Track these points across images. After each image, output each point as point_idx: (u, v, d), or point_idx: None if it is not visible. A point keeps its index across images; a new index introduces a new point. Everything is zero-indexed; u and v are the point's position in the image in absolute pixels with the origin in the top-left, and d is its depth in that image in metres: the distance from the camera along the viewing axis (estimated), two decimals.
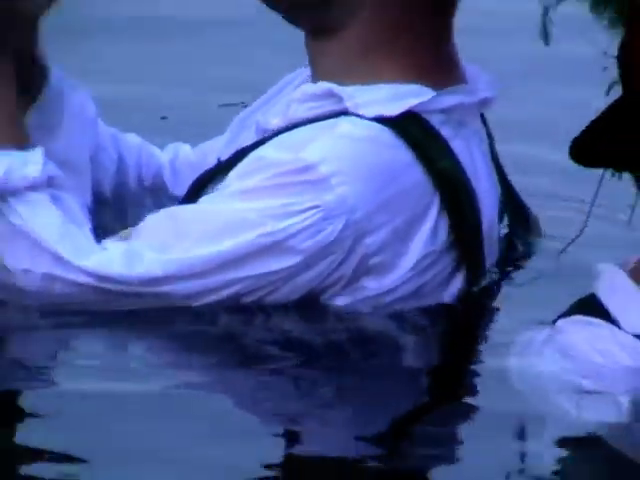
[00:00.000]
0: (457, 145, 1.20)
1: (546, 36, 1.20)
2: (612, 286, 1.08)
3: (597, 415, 1.06)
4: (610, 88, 1.10)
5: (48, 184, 1.17)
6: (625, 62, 1.06)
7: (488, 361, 1.20)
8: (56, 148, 1.23)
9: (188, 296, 1.17)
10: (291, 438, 1.07)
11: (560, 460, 0.98)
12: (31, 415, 1.10)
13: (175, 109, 1.96)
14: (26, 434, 1.06)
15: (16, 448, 1.04)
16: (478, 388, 1.15)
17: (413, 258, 1.19)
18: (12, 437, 1.05)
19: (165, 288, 1.16)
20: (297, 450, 1.06)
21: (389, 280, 1.19)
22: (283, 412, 1.12)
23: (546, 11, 1.16)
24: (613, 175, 1.13)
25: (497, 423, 1.05)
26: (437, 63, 1.22)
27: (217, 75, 2.12)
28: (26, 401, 1.13)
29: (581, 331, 1.06)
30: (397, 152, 1.17)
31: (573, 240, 1.32)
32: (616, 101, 1.01)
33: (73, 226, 1.17)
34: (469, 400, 1.14)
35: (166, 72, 2.17)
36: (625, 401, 1.04)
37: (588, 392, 1.04)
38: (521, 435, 1.02)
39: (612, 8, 1.11)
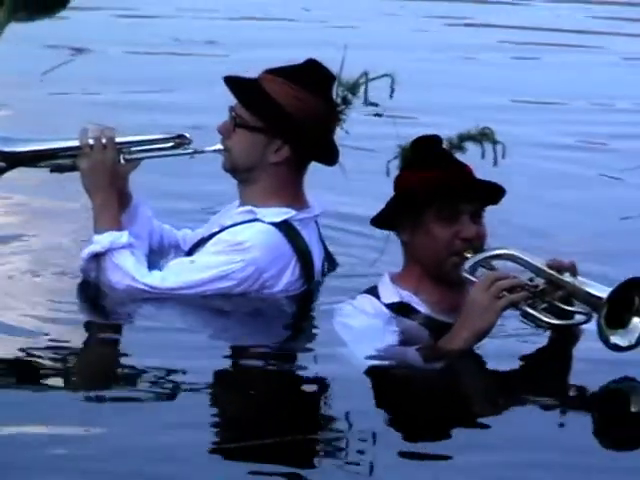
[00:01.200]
0: (305, 234, 2.77)
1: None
2: (382, 281, 2.56)
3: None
4: None
5: (130, 246, 2.74)
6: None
7: (322, 325, 2.69)
8: (132, 230, 2.81)
9: (184, 295, 2.73)
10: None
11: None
12: None
13: None
14: None
15: None
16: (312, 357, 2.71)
17: (286, 280, 2.75)
18: None
19: (175, 292, 2.72)
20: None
21: (275, 290, 2.75)
22: None
23: None
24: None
25: None
26: (298, 197, 2.80)
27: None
28: None
29: (361, 299, 2.55)
30: (280, 238, 2.74)
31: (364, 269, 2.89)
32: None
33: (139, 264, 2.74)
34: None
35: None
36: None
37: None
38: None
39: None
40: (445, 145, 2.58)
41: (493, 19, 7.41)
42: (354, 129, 2.81)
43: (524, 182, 3.67)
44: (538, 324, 2.41)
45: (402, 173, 2.55)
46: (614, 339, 2.32)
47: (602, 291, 2.30)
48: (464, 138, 2.59)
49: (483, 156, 2.60)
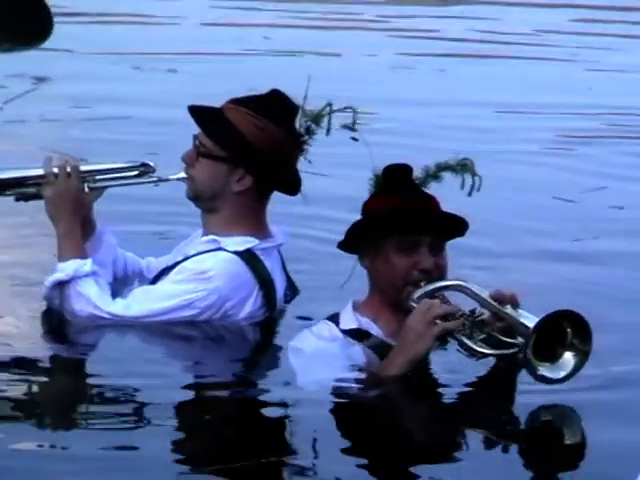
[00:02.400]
0: (268, 263, 2.82)
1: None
2: (344, 308, 2.60)
3: None
4: None
5: (93, 274, 2.77)
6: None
7: (283, 352, 2.71)
8: (96, 258, 2.84)
9: (147, 323, 2.75)
10: None
11: None
12: None
13: None
14: None
15: None
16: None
17: (249, 308, 2.80)
18: None
19: (138, 320, 2.74)
20: None
21: (238, 318, 2.79)
22: None
23: None
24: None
25: None
26: (260, 226, 2.85)
27: None
28: None
29: (321, 325, 2.61)
30: (242, 267, 2.78)
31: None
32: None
33: (102, 293, 2.77)
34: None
35: None
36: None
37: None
38: None
39: None
40: (421, 174, 2.64)
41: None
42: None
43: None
44: (472, 353, 2.45)
45: (369, 199, 2.62)
46: (542, 370, 2.38)
47: (532, 321, 2.36)
48: (442, 168, 2.64)
49: (462, 187, 2.65)
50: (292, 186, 2.83)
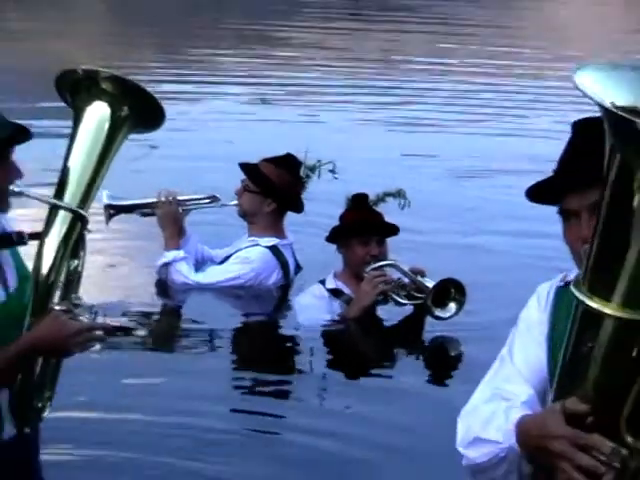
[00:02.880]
0: (285, 253, 4.79)
1: None
2: (329, 276, 4.52)
3: None
4: None
5: (184, 259, 4.76)
6: None
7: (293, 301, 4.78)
8: (185, 249, 4.83)
9: (216, 287, 4.75)
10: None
11: None
12: None
13: None
14: None
15: None
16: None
17: (274, 279, 4.79)
18: None
19: (212, 285, 4.73)
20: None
21: (268, 283, 4.78)
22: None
23: None
24: None
25: None
26: (281, 231, 4.84)
27: None
28: None
29: (315, 285, 4.54)
30: (270, 256, 4.76)
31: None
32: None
33: (189, 269, 4.76)
34: None
35: None
36: None
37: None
38: None
39: None
40: (373, 197, 4.53)
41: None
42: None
43: None
44: (397, 304, 4.36)
45: (344, 213, 4.51)
46: (437, 312, 4.24)
47: (431, 284, 4.23)
48: (386, 194, 4.60)
49: (400, 206, 4.61)
50: (298, 208, 4.79)
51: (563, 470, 1.43)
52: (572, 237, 1.69)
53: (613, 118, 1.32)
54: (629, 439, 1.40)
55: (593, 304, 1.40)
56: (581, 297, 1.42)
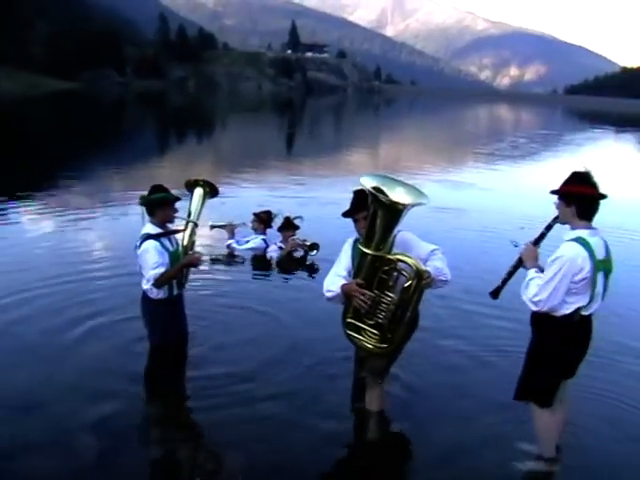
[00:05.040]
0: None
1: None
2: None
3: None
4: None
5: None
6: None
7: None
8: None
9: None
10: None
11: None
12: None
13: None
14: None
15: None
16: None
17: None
18: None
19: None
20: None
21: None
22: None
23: None
24: None
25: None
26: None
27: None
28: None
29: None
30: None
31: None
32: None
33: None
34: None
35: None
36: None
37: None
38: None
39: None
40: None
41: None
42: None
43: None
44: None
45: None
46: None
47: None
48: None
49: None
50: None
51: (355, 301, 4.92)
52: (360, 227, 5.01)
53: (370, 192, 4.53)
54: (375, 292, 4.91)
55: (364, 249, 4.77)
56: (360, 246, 4.85)
